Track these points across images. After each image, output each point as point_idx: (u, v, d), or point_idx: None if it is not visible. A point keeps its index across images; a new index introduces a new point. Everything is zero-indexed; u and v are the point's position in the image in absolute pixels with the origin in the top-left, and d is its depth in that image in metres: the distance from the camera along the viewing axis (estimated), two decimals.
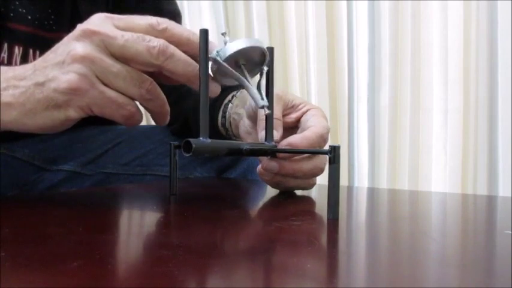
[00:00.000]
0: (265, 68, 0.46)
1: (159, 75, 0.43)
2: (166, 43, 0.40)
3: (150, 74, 0.43)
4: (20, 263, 0.25)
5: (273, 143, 0.49)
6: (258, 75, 0.47)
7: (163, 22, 0.41)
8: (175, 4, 0.85)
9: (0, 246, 0.28)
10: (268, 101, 0.48)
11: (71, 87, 0.39)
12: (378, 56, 1.34)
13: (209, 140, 0.40)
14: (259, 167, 0.51)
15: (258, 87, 0.45)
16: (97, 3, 0.73)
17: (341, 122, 1.39)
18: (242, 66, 0.44)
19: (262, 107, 0.43)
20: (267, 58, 0.45)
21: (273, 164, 0.49)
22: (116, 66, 0.38)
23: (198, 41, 0.40)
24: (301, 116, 0.54)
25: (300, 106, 0.55)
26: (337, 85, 1.40)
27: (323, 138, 0.50)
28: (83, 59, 0.38)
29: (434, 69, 1.29)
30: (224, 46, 0.42)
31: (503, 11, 1.19)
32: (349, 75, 1.38)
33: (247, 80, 0.44)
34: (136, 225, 0.38)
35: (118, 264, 0.25)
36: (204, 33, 0.40)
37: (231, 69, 0.42)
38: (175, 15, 0.84)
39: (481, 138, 1.25)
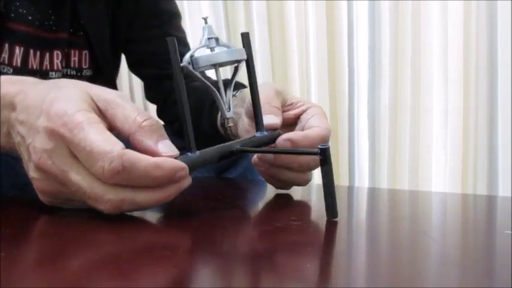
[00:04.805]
0: (241, 64, 0.45)
1: None
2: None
3: None
4: (20, 263, 0.25)
5: (265, 133, 0.48)
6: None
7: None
8: (175, 4, 0.85)
9: (0, 246, 0.28)
10: (253, 93, 0.47)
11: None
12: (378, 56, 1.34)
13: (197, 153, 0.39)
14: (255, 157, 0.51)
15: (229, 88, 0.44)
16: (96, 4, 0.73)
17: (341, 122, 1.39)
18: (217, 68, 0.43)
19: (227, 119, 0.43)
20: (244, 60, 0.44)
21: (268, 155, 0.49)
22: (76, 197, 0.36)
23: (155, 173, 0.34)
24: (301, 114, 0.54)
25: (299, 104, 0.54)
26: (337, 85, 1.40)
27: (325, 141, 0.49)
28: (43, 192, 0.37)
29: (434, 69, 1.29)
30: (199, 51, 0.41)
31: (503, 11, 1.19)
32: (349, 75, 1.38)
33: (218, 87, 0.43)
34: (137, 224, 0.38)
35: (118, 263, 0.25)
36: (172, 42, 0.38)
37: (201, 78, 0.41)
38: (174, 16, 0.83)
39: (481, 138, 1.25)
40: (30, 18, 0.66)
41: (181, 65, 0.39)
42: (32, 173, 0.37)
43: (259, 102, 0.47)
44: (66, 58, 0.72)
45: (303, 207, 0.48)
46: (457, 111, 1.27)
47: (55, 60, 0.70)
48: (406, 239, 0.33)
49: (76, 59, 0.73)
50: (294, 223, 0.37)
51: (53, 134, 0.34)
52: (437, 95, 1.30)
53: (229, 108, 0.43)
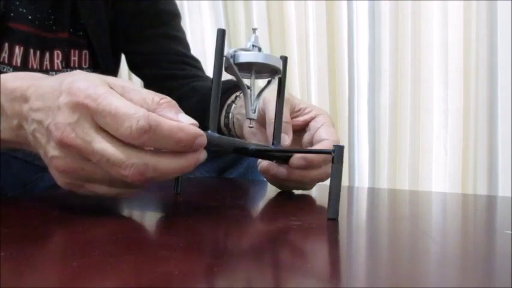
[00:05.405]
0: (275, 79, 0.47)
1: None
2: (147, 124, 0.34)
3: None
4: (20, 263, 0.25)
5: (280, 147, 0.49)
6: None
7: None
8: (174, 4, 0.85)
9: (0, 246, 0.28)
10: (278, 108, 0.49)
11: (61, 186, 0.38)
12: (378, 56, 1.34)
13: (217, 135, 0.41)
14: (261, 165, 0.52)
15: (258, 95, 0.46)
16: (96, 4, 0.73)
17: (341, 122, 1.39)
18: (253, 72, 0.45)
19: (249, 119, 0.45)
20: (280, 73, 0.47)
21: (282, 171, 0.50)
22: (98, 173, 0.36)
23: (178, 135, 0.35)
24: (310, 120, 0.55)
25: (307, 110, 0.55)
26: (337, 85, 1.40)
27: None
28: (64, 171, 0.37)
29: (434, 69, 1.29)
30: (244, 49, 0.44)
31: (503, 11, 1.19)
32: (349, 75, 1.38)
33: (250, 87, 0.45)
34: (137, 224, 0.38)
35: (119, 263, 0.25)
36: (221, 33, 0.41)
37: (237, 73, 0.43)
38: (174, 16, 0.84)
39: (481, 138, 1.25)
40: (30, 17, 0.66)
41: (226, 54, 0.43)
42: (52, 152, 0.36)
43: (281, 118, 0.50)
44: (66, 58, 0.72)
45: (303, 207, 0.48)
46: (457, 111, 1.27)
47: (55, 60, 0.70)
48: (406, 239, 0.33)
49: (76, 58, 0.73)
50: (294, 223, 0.37)
51: (78, 106, 0.35)
52: (437, 95, 1.30)
53: (255, 110, 0.46)
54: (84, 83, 0.35)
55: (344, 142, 1.39)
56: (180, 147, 0.35)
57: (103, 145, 0.35)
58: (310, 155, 0.49)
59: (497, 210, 0.51)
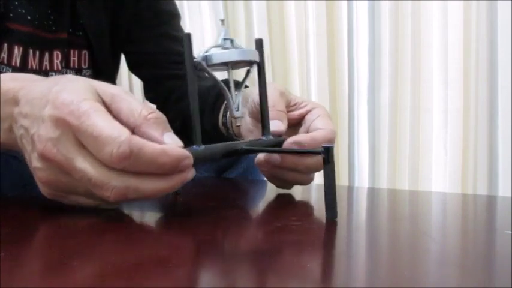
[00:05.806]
0: (253, 68, 0.45)
1: None
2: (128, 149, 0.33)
3: None
4: (20, 263, 0.25)
5: (271, 137, 0.48)
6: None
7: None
8: (174, 4, 0.85)
9: (0, 246, 0.28)
10: (261, 95, 0.47)
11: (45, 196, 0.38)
12: (378, 56, 1.34)
13: (203, 147, 0.39)
14: (258, 157, 0.51)
15: (239, 89, 0.44)
16: (96, 4, 0.73)
17: (341, 122, 1.39)
18: (229, 66, 0.43)
19: (236, 118, 0.44)
20: (256, 63, 0.45)
21: (275, 157, 0.49)
22: (79, 186, 0.36)
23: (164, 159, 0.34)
24: (305, 114, 0.54)
25: (303, 104, 0.54)
26: (337, 85, 1.40)
27: (330, 143, 0.50)
28: (46, 183, 0.36)
29: (434, 69, 1.29)
30: (213, 49, 0.41)
31: (503, 11, 1.19)
32: (349, 75, 1.38)
33: (229, 86, 0.43)
34: (137, 224, 0.38)
35: (118, 263, 0.25)
36: (188, 37, 0.39)
37: (213, 75, 0.42)
38: (174, 16, 0.84)
39: (481, 138, 1.25)
40: (29, 18, 0.66)
41: (195, 60, 0.40)
42: (35, 163, 0.36)
43: (267, 106, 0.48)
44: (66, 58, 0.72)
45: (303, 207, 0.48)
46: (457, 111, 1.27)
47: (55, 60, 0.70)
48: (406, 239, 0.33)
49: (75, 59, 0.73)
50: (294, 223, 0.37)
51: (59, 122, 0.34)
52: (437, 95, 1.30)
53: (238, 107, 0.44)
54: (69, 96, 0.35)
55: (344, 142, 1.39)
56: (164, 170, 0.35)
57: (85, 165, 0.34)
58: (302, 140, 0.47)
59: (497, 210, 0.51)
